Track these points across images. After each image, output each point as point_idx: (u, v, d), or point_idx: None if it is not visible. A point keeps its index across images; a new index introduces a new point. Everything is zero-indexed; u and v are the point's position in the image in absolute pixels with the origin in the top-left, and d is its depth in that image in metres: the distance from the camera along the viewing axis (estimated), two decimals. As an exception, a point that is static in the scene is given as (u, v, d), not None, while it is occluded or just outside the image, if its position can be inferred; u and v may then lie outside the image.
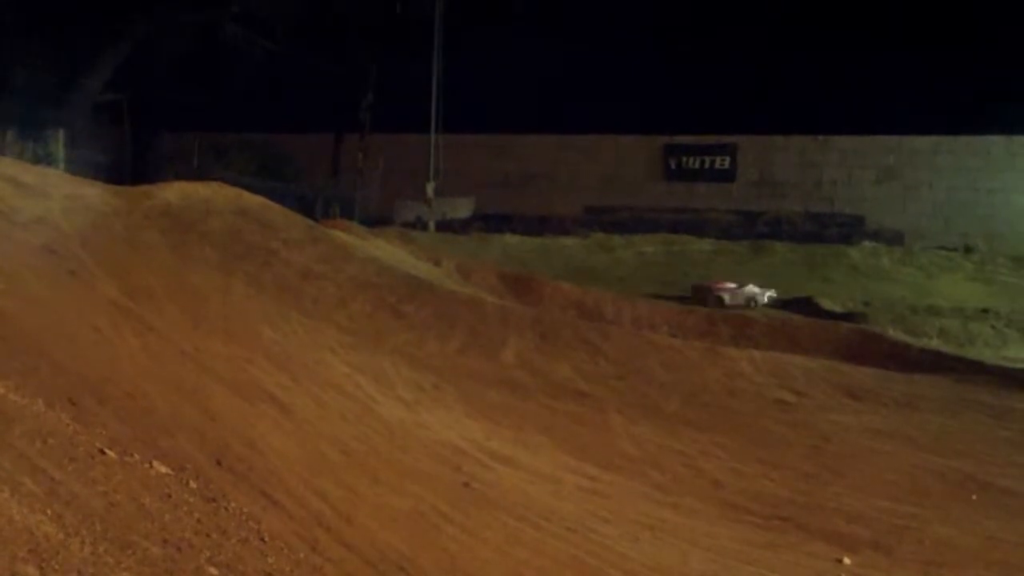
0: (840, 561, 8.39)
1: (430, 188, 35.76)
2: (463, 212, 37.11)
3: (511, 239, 32.67)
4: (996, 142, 34.55)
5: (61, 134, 29.85)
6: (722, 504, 10.00)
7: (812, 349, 18.50)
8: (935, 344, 19.66)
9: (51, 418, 5.16)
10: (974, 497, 10.80)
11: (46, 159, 27.30)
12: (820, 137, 36.39)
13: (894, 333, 20.01)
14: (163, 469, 5.17)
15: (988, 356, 18.81)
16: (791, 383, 15.92)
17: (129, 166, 31.95)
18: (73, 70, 29.35)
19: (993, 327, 21.09)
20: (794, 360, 17.08)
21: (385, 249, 22.05)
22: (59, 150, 29.54)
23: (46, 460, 4.44)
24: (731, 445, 12.40)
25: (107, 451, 5.01)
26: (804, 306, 23.43)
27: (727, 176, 37.29)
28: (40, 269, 9.77)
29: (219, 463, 5.95)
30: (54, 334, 7.32)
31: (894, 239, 34.02)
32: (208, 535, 4.47)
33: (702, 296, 24.57)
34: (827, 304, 23.43)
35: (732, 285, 25.02)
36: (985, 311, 22.59)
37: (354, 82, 36.66)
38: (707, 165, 37.44)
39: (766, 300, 24.32)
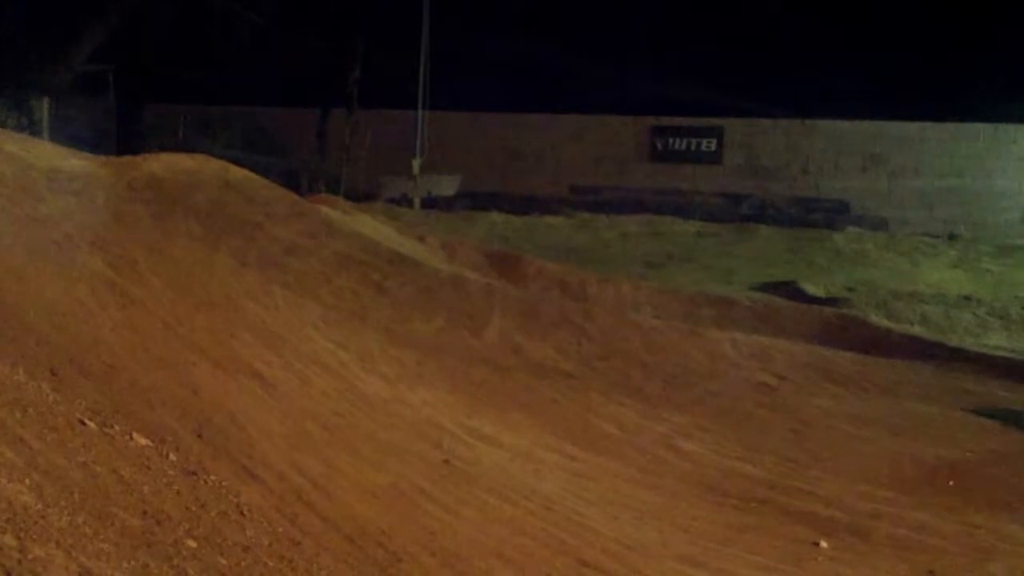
0: (817, 544, 8.44)
1: (416, 165, 35.63)
2: (449, 189, 37.04)
3: (497, 217, 32.64)
4: (983, 129, 34.54)
5: (46, 104, 29.71)
6: (702, 486, 10.05)
7: (795, 333, 18.56)
8: (917, 331, 19.73)
9: (32, 388, 5.15)
10: (951, 483, 10.88)
11: (30, 128, 27.16)
12: (806, 121, 36.35)
13: (876, 319, 20.07)
14: (143, 441, 5.17)
15: (969, 343, 18.88)
16: (773, 366, 15.99)
17: (114, 137, 31.82)
18: (59, 40, 29.18)
19: (975, 314, 21.16)
20: (776, 344, 17.14)
21: (370, 225, 21.99)
22: (44, 120, 29.39)
23: (26, 430, 4.43)
24: (712, 427, 12.46)
25: (87, 422, 5.01)
26: (787, 290, 23.48)
27: (713, 158, 37.19)
28: (22, 239, 9.73)
29: (199, 436, 5.95)
30: (36, 305, 7.29)
31: (878, 225, 34.08)
32: (187, 508, 4.48)
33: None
34: (810, 288, 23.47)
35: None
36: (967, 298, 22.66)
37: (341, 57, 36.45)
38: (693, 147, 37.31)
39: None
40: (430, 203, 35.37)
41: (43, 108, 29.52)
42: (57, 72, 29.34)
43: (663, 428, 12.19)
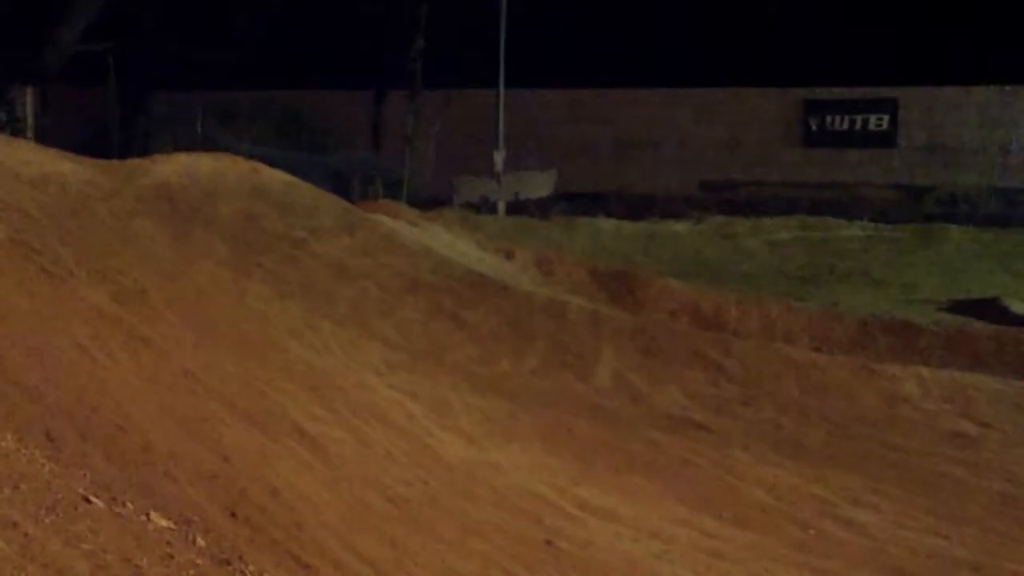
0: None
1: (499, 159, 35.72)
2: (542, 190, 37.06)
3: (605, 224, 32.62)
4: None
5: (29, 95, 30.34)
6: (882, 569, 9.93)
7: (1000, 366, 18.26)
8: None
9: (23, 458, 5.25)
10: None
11: (11, 126, 27.76)
12: (1008, 88, 35.75)
13: (1110, 346, 19.68)
14: (163, 522, 5.24)
15: None
16: (972, 411, 15.74)
17: (115, 134, 32.39)
18: (45, 14, 29.70)
19: None
20: (976, 381, 16.88)
21: (442, 238, 22.13)
22: (28, 115, 30.03)
23: (17, 511, 4.51)
24: (893, 492, 12.31)
25: (93, 500, 5.09)
26: (988, 309, 23.12)
27: (885, 140, 36.75)
28: (5, 267, 9.93)
29: (233, 515, 6.02)
30: (24, 351, 7.43)
31: (1110, 222, 33.48)
32: (221, 607, 4.53)
33: None
34: (1019, 308, 23.10)
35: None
36: None
37: (400, 24, 36.66)
38: (859, 126, 36.92)
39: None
40: (518, 208, 35.42)
41: (27, 101, 30.16)
42: (44, 56, 29.91)
43: (828, 493, 12.08)
